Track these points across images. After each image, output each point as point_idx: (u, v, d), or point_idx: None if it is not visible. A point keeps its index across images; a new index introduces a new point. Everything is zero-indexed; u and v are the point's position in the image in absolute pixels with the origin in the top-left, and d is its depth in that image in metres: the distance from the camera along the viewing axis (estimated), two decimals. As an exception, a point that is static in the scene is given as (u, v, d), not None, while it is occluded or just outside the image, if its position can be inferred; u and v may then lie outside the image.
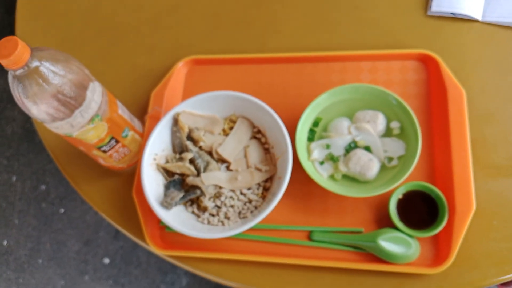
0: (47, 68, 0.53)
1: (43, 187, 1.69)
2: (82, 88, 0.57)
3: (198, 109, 0.71)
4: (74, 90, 0.56)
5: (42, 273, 1.57)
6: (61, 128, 0.59)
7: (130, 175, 0.74)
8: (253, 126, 0.71)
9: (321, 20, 0.82)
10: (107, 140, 0.65)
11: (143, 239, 0.69)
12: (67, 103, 0.56)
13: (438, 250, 0.62)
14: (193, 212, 0.67)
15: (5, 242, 1.63)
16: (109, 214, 0.74)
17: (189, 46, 0.84)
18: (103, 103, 0.61)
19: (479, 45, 0.75)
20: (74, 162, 0.78)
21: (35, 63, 0.52)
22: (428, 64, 0.73)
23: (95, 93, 0.60)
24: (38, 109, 0.55)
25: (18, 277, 1.58)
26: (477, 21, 0.76)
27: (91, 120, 0.60)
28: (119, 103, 0.67)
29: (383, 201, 0.66)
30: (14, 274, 1.58)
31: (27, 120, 1.82)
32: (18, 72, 0.52)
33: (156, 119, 0.73)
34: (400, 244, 0.61)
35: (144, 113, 0.77)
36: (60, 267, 1.56)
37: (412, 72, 0.73)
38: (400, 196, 0.64)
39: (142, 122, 0.75)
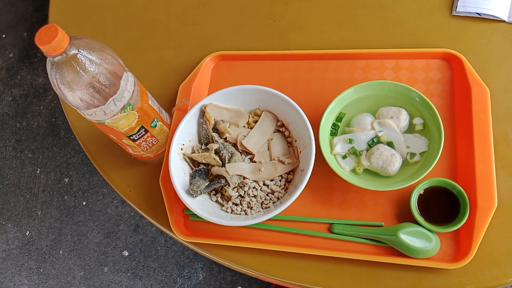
0: (84, 56, 0.56)
1: (66, 180, 1.73)
2: (116, 77, 0.60)
3: (224, 102, 0.73)
4: (109, 78, 0.58)
5: (62, 264, 1.61)
6: (94, 115, 0.62)
7: (157, 164, 0.76)
8: (277, 120, 0.73)
9: (346, 18, 0.83)
10: (137, 129, 0.67)
11: (168, 227, 0.71)
12: (101, 90, 0.58)
13: (459, 245, 0.63)
14: (217, 201, 0.69)
15: (27, 233, 1.68)
16: (135, 202, 0.77)
17: (216, 41, 0.86)
18: (135, 93, 0.64)
19: (504, 45, 0.75)
20: (102, 151, 0.81)
21: (73, 51, 0.55)
22: (452, 63, 0.74)
23: (128, 83, 0.62)
24: (73, 95, 0.58)
25: (39, 267, 1.62)
26: (503, 21, 0.77)
27: (123, 108, 0.62)
28: (149, 94, 0.69)
29: (404, 196, 0.67)
30: (35, 264, 1.62)
31: (52, 115, 1.87)
32: (56, 59, 0.55)
33: (183, 111, 0.75)
34: (421, 239, 0.62)
35: (171, 105, 0.79)
36: (80, 259, 1.60)
37: (436, 70, 0.74)
38: (422, 192, 0.65)
39: (170, 114, 0.78)
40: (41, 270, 1.61)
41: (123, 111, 0.62)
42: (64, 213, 1.68)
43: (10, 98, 1.93)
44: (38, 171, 1.77)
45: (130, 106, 0.63)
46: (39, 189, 1.74)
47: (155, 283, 1.51)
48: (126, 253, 1.57)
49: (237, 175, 0.68)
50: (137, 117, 0.66)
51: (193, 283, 1.48)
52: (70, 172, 1.74)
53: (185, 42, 0.88)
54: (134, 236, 1.59)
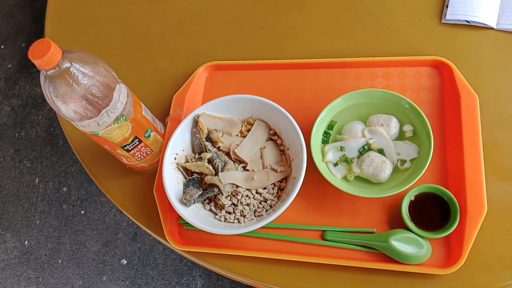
0: (77, 69, 0.57)
1: (64, 189, 1.74)
2: (109, 89, 0.61)
3: (217, 111, 0.74)
4: (101, 90, 0.59)
5: (61, 273, 1.61)
6: (88, 127, 0.63)
7: (151, 174, 0.77)
8: (270, 128, 0.74)
9: (338, 27, 0.85)
10: (130, 139, 0.68)
11: (162, 236, 0.72)
12: (94, 102, 0.59)
13: (450, 251, 0.64)
14: (210, 210, 0.70)
15: (26, 242, 1.68)
16: (130, 211, 0.77)
17: (209, 52, 0.87)
18: (128, 104, 0.65)
19: (493, 52, 0.76)
20: (97, 161, 0.82)
21: (66, 64, 0.56)
22: (442, 71, 0.75)
23: (121, 94, 0.63)
24: (67, 108, 0.59)
25: (38, 277, 1.62)
26: (491, 28, 0.78)
27: (117, 119, 0.63)
28: (142, 105, 0.70)
29: (396, 202, 0.67)
30: (34, 273, 1.63)
31: (50, 124, 1.88)
32: (49, 72, 0.56)
33: (177, 121, 0.76)
34: (412, 245, 0.63)
35: (165, 115, 0.80)
36: (79, 267, 1.60)
37: (426, 78, 0.75)
38: (413, 198, 0.66)
39: (164, 123, 0.79)
40: (40, 280, 1.62)
41: (116, 122, 0.63)
42: (62, 222, 1.69)
43: (9, 108, 1.94)
44: (37, 181, 1.78)
45: (124, 117, 0.64)
46: (38, 199, 1.75)
47: (154, 291, 1.51)
48: (124, 261, 1.58)
49: (230, 183, 0.69)
50: (130, 127, 0.66)
51: (192, 291, 1.49)
52: (69, 181, 1.75)
53: (179, 52, 0.89)
54: (133, 245, 1.59)
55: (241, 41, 0.88)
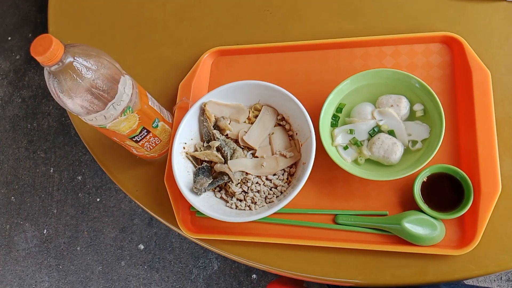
0: (80, 63, 0.56)
1: (79, 177, 1.76)
2: (113, 81, 0.60)
3: (223, 98, 0.73)
4: (106, 83, 0.59)
5: (80, 260, 1.64)
6: (95, 120, 0.63)
7: (161, 163, 0.77)
8: (277, 114, 0.73)
9: (343, 6, 0.82)
10: (138, 130, 0.68)
11: (175, 224, 0.72)
12: (100, 96, 0.59)
13: (464, 231, 0.63)
14: (221, 198, 0.70)
15: (45, 231, 1.72)
16: (142, 201, 0.78)
17: (213, 37, 0.86)
18: (134, 96, 0.64)
19: (505, 25, 0.74)
20: (108, 152, 0.82)
21: (69, 59, 0.55)
22: (452, 46, 0.73)
23: (126, 86, 0.63)
24: (73, 102, 0.59)
25: (58, 264, 1.66)
26: (502, 0, 0.75)
27: (123, 112, 0.63)
28: (149, 95, 0.70)
29: (408, 184, 0.66)
30: (54, 261, 1.67)
31: (62, 114, 1.89)
32: (53, 68, 0.55)
33: (184, 110, 0.76)
34: (425, 226, 0.62)
35: (172, 104, 0.80)
36: (97, 254, 1.63)
37: (436, 55, 0.73)
38: (425, 179, 0.65)
39: (171, 113, 0.78)
40: (60, 267, 1.65)
41: (123, 114, 0.63)
42: (79, 210, 1.71)
43: (20, 100, 1.96)
44: (52, 170, 1.80)
45: (130, 109, 0.64)
46: (54, 188, 1.77)
47: (172, 274, 1.54)
48: (141, 246, 1.60)
49: (240, 171, 0.69)
50: (137, 119, 0.66)
51: (209, 273, 1.51)
52: (83, 170, 1.77)
53: (183, 39, 0.88)
54: (149, 230, 1.61)
55: (245, 24, 0.86)
